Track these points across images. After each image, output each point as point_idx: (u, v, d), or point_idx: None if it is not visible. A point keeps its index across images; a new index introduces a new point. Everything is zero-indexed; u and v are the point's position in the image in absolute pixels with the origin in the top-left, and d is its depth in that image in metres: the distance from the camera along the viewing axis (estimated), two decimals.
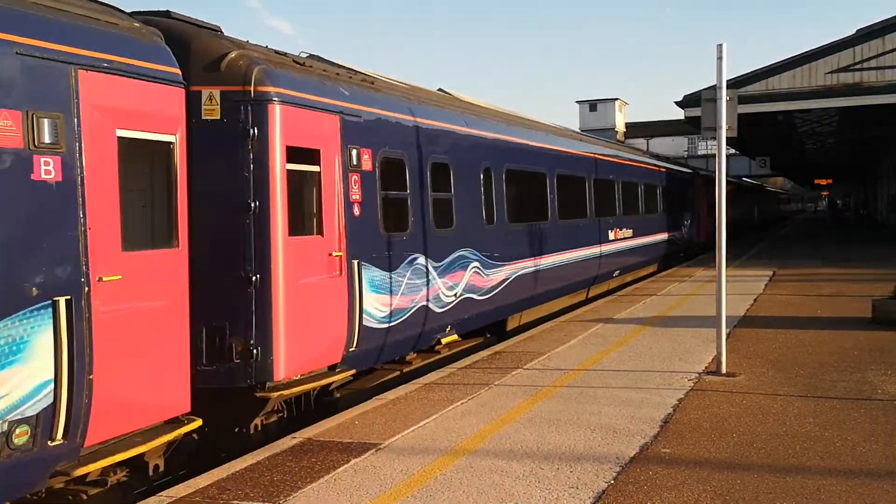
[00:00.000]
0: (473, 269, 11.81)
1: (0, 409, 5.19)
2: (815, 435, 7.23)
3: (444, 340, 11.30)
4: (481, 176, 12.32)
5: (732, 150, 48.09)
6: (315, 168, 8.39)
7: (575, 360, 10.70)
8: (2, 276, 5.25)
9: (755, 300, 16.36)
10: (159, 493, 6.20)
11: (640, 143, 61.55)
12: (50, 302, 5.51)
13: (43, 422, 5.47)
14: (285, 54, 8.79)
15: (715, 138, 9.88)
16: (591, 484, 6.08)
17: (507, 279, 13.16)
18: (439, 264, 10.82)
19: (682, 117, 26.58)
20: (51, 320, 5.50)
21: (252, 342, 7.60)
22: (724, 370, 9.71)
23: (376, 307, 9.27)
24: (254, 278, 7.60)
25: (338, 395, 9.16)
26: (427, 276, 10.46)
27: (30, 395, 5.37)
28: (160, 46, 6.77)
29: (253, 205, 7.62)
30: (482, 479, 6.25)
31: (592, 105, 63.19)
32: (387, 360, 10.07)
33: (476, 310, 12.09)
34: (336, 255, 8.59)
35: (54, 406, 5.52)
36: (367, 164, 9.21)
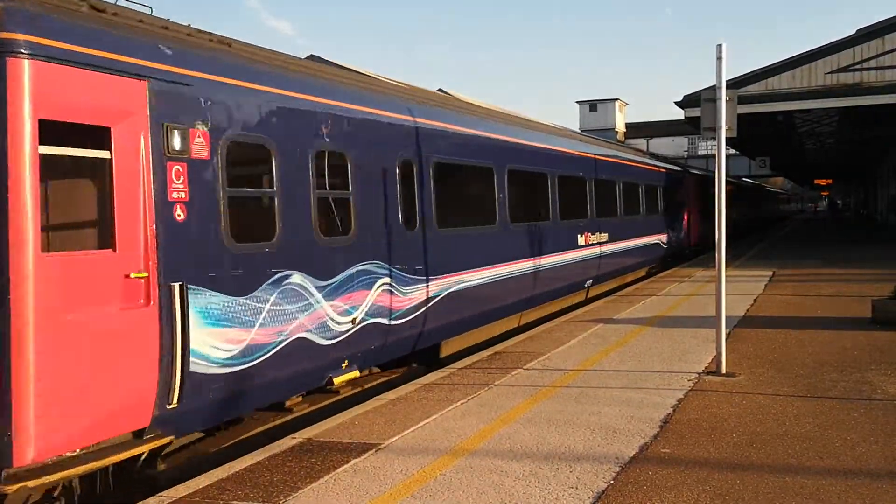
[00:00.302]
0: (382, 288, 9.48)
1: None
2: (815, 435, 7.23)
3: (337, 380, 8.82)
4: (397, 170, 9.94)
5: (732, 151, 48.13)
6: (102, 153, 6.10)
7: (575, 361, 10.70)
8: None
9: (755, 300, 16.36)
10: (159, 494, 6.21)
11: (641, 143, 61.57)
12: None
13: None
14: None
15: (715, 138, 9.89)
16: (590, 484, 6.09)
17: (436, 297, 10.79)
18: (327, 283, 8.46)
19: (682, 117, 26.56)
20: None
21: None
22: (723, 370, 9.71)
23: (216, 346, 6.92)
24: None
25: (162, 467, 7.15)
26: (306, 300, 8.13)
27: None
28: None
29: None
30: (482, 479, 6.25)
31: (592, 105, 63.26)
32: (242, 412, 7.86)
33: (389, 337, 9.75)
34: (138, 277, 6.24)
35: None
36: (200, 151, 6.86)
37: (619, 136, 60.68)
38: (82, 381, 5.82)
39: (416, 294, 10.28)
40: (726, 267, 10.21)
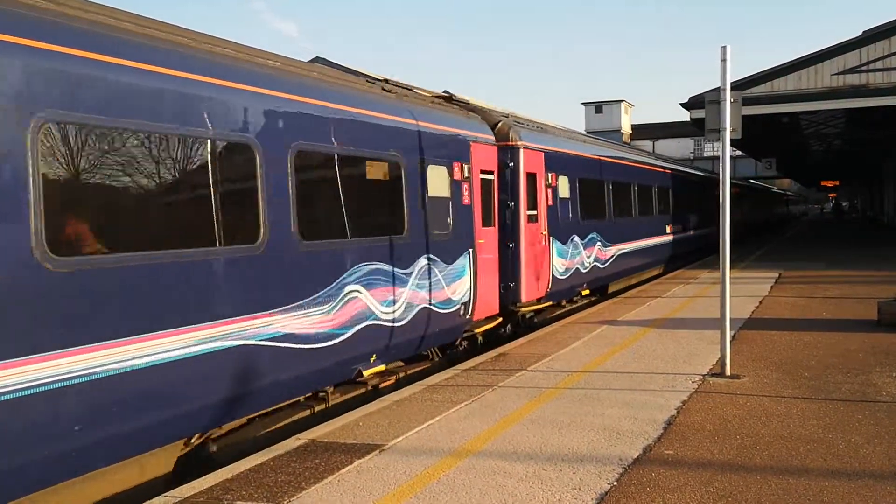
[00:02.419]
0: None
1: None
2: (819, 437, 7.23)
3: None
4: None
5: (738, 152, 48.03)
6: None
7: (579, 362, 10.70)
8: None
9: (760, 302, 16.34)
10: (164, 494, 6.24)
11: (647, 144, 61.49)
12: None
13: None
14: None
15: (720, 140, 9.88)
16: (593, 485, 6.10)
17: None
18: None
19: (688, 119, 26.53)
20: None
21: None
22: (728, 372, 9.71)
23: None
24: None
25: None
26: None
27: None
28: None
29: None
30: (485, 480, 6.27)
31: (598, 107, 63.17)
32: None
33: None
34: None
35: None
36: None
37: (625, 138, 60.58)
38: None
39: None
40: (732, 268, 10.20)
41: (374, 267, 9.31)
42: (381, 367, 9.69)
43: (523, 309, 14.00)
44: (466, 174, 11.72)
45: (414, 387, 9.64)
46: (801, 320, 13.94)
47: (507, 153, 13.67)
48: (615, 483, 6.13)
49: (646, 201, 23.14)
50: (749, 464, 6.55)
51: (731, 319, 10.09)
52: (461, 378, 10.03)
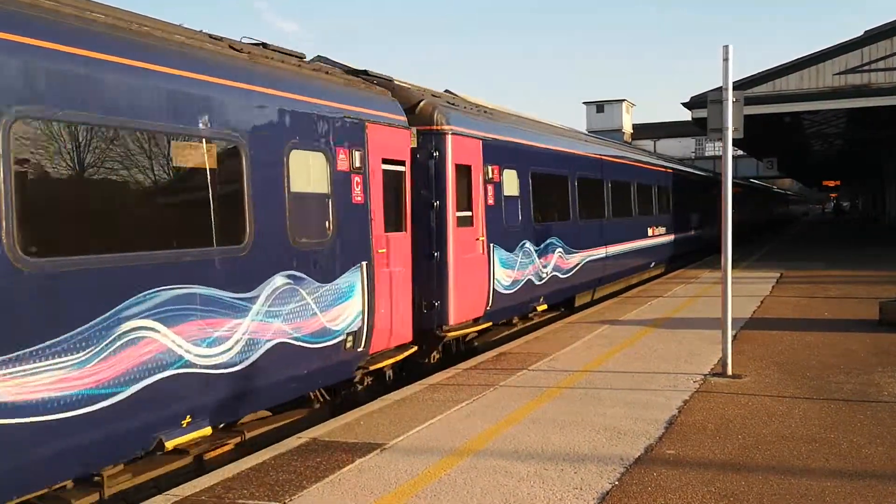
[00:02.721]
0: None
1: None
2: (821, 437, 7.22)
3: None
4: None
5: (740, 152, 48.01)
6: None
7: (580, 362, 10.70)
8: None
9: (762, 302, 16.33)
10: (166, 493, 6.24)
11: (648, 144, 61.46)
12: None
13: None
14: None
15: (721, 140, 9.87)
16: (595, 485, 6.09)
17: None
18: None
19: (690, 118, 26.52)
20: None
21: None
22: (729, 372, 9.70)
23: None
24: None
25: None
26: None
27: None
28: None
29: None
30: (486, 479, 6.26)
31: (600, 106, 63.10)
32: None
33: None
34: None
35: None
36: None
37: (626, 137, 60.49)
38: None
39: None
40: (734, 268, 10.18)
41: (182, 292, 6.56)
42: (206, 431, 7.03)
43: (452, 333, 11.49)
44: (358, 164, 9.01)
45: (415, 386, 9.64)
46: (803, 320, 13.92)
47: (431, 140, 11.03)
48: (616, 483, 6.13)
49: (623, 201, 20.56)
50: (751, 463, 6.54)
51: (732, 319, 10.08)
52: (462, 377, 10.03)
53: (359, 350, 9.13)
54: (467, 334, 12.30)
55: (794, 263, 25.52)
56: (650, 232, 23.10)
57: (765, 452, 6.81)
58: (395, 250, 9.89)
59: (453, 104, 12.22)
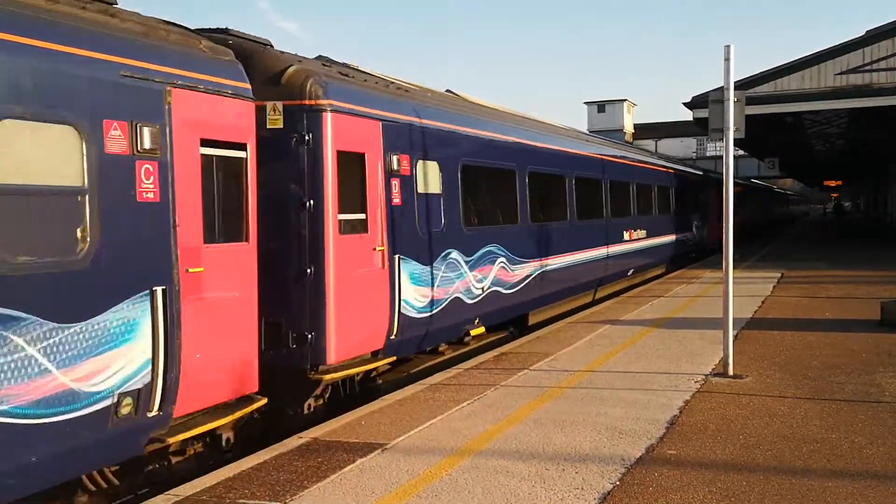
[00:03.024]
0: None
1: None
2: (822, 437, 7.22)
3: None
4: None
5: (741, 152, 47.97)
6: None
7: (581, 362, 10.69)
8: None
9: (763, 302, 16.32)
10: (167, 493, 6.24)
11: (649, 144, 61.45)
12: None
13: None
14: None
15: (722, 139, 9.87)
16: (596, 485, 6.09)
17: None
18: None
19: (691, 118, 26.50)
20: None
21: None
22: (730, 372, 9.69)
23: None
24: None
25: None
26: None
27: None
28: None
29: None
30: (487, 479, 6.26)
31: (601, 106, 63.08)
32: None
33: None
34: None
35: None
36: None
37: (628, 137, 60.49)
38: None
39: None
40: (735, 268, 10.17)
41: None
42: None
43: (331, 375, 8.58)
44: (149, 145, 6.28)
45: (416, 386, 9.64)
46: (804, 320, 13.92)
47: (301, 119, 8.41)
48: (618, 483, 6.13)
49: (593, 201, 17.73)
50: (752, 464, 6.54)
51: (733, 319, 10.07)
52: (463, 377, 10.03)
53: (148, 415, 6.30)
54: (362, 373, 9.41)
55: (795, 263, 25.51)
56: (627, 236, 20.41)
57: (766, 452, 6.81)
58: (223, 268, 7.12)
59: (346, 75, 9.48)
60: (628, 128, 63.07)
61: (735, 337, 11.29)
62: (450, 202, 11.09)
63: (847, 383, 9.23)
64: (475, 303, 11.74)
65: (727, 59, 9.62)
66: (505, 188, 13.32)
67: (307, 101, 8.45)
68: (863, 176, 73.27)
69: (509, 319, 13.51)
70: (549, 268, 14.57)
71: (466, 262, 11.47)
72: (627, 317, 14.82)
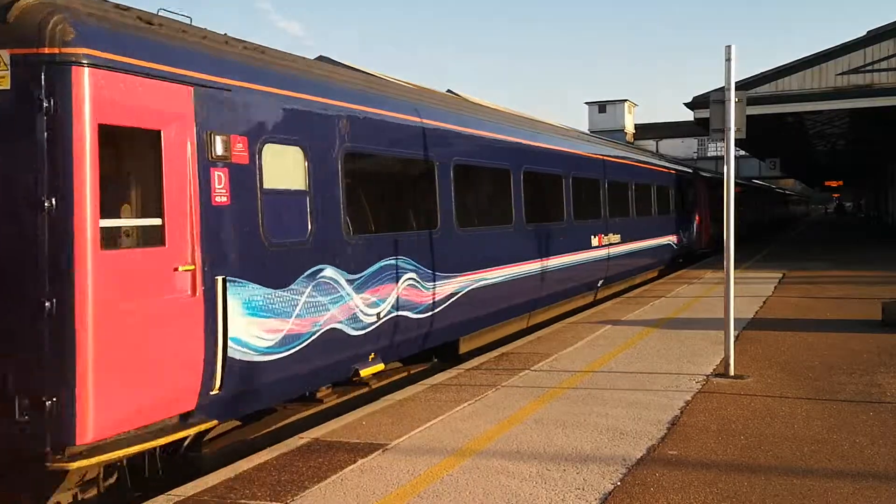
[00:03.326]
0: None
1: None
2: (823, 437, 7.21)
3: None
4: None
5: (742, 152, 47.97)
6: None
7: (582, 362, 10.69)
8: None
9: (764, 302, 16.31)
10: (167, 493, 6.24)
11: (650, 144, 61.46)
12: None
13: None
14: None
15: (723, 140, 9.86)
16: (597, 485, 6.09)
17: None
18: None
19: (692, 119, 26.49)
20: None
21: None
22: (732, 372, 9.69)
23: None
24: None
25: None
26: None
27: None
28: None
29: None
30: (488, 479, 6.26)
31: (602, 106, 63.15)
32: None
33: None
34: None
35: None
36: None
37: (629, 138, 60.55)
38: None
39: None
40: (736, 269, 10.16)
41: None
42: None
43: (83, 462, 5.76)
44: None
45: (417, 386, 9.63)
46: (806, 320, 13.91)
47: (38, 75, 5.69)
48: (619, 483, 6.12)
49: (550, 200, 14.94)
50: (753, 464, 6.53)
51: (734, 319, 10.07)
52: (464, 377, 10.02)
53: None
54: (150, 448, 6.43)
55: (796, 264, 25.49)
56: (595, 241, 17.21)
57: (767, 453, 6.80)
58: None
59: (123, 10, 6.65)
60: (629, 128, 63.12)
61: (736, 337, 11.29)
62: (324, 201, 8.34)
63: (848, 384, 9.23)
64: (367, 333, 8.96)
65: (728, 60, 9.61)
66: (416, 184, 10.63)
67: (47, 50, 5.72)
68: (864, 176, 73.27)
69: (433, 346, 10.92)
70: (484, 282, 11.81)
71: (351, 281, 8.69)
72: (628, 317, 14.82)
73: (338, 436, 7.58)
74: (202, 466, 7.18)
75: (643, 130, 65.81)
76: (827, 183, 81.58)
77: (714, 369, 10.05)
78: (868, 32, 24.53)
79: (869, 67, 24.17)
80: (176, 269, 6.47)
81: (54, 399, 5.63)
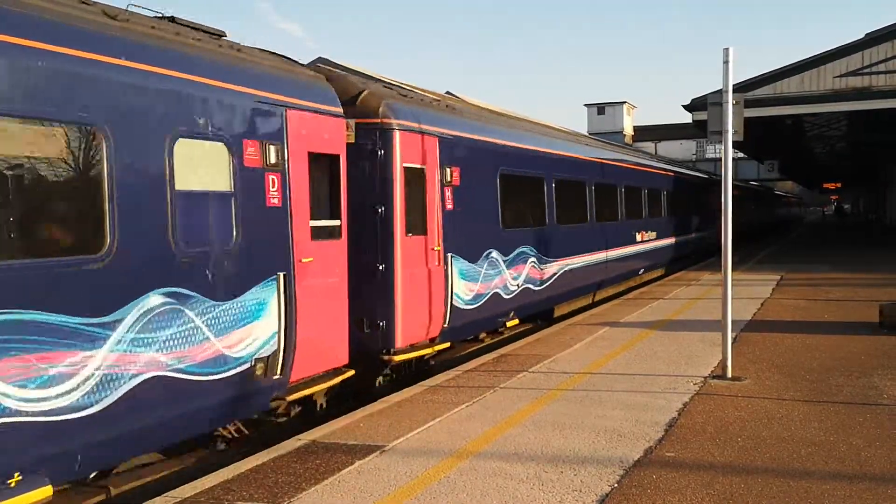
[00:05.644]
0: None
1: None
2: (820, 439, 7.22)
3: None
4: None
5: (741, 154, 48.01)
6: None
7: (580, 364, 10.70)
8: None
9: (762, 304, 16.32)
10: (165, 494, 6.24)
11: (649, 146, 61.48)
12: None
13: None
14: None
15: (722, 142, 9.87)
16: (594, 487, 6.09)
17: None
18: None
19: (691, 121, 26.52)
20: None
21: None
22: (729, 374, 9.70)
23: None
24: None
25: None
26: None
27: None
28: None
29: None
30: (486, 481, 6.26)
31: (600, 108, 63.10)
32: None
33: None
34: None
35: None
36: None
37: (627, 139, 60.50)
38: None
39: None
40: (734, 271, 10.18)
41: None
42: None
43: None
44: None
45: (415, 388, 9.64)
46: (803, 322, 13.92)
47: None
48: (616, 485, 6.13)
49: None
50: (750, 466, 6.54)
51: (732, 321, 10.08)
52: (463, 379, 10.03)
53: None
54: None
55: (794, 266, 25.52)
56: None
57: (764, 455, 6.82)
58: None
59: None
60: (628, 130, 63.10)
61: (734, 339, 11.31)
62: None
63: (846, 386, 9.24)
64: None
65: (726, 62, 9.62)
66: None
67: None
68: (862, 178, 73.33)
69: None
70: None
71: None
72: (627, 319, 14.83)
73: (335, 437, 7.58)
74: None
75: (642, 132, 65.77)
76: (825, 185, 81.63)
77: (712, 371, 10.06)
78: (866, 35, 24.56)
79: (867, 70, 24.20)
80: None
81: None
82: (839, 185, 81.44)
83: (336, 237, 8.80)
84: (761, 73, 25.24)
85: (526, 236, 13.73)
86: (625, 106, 63.05)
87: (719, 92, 9.90)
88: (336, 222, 8.82)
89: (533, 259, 13.98)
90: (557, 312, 16.08)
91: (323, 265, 8.48)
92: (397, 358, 10.01)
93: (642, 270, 22.21)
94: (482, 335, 13.13)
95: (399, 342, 9.99)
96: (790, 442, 7.16)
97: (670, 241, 25.30)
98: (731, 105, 9.69)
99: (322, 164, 8.60)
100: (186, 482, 6.60)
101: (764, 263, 27.11)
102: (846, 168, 61.45)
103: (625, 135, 60.83)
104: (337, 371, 8.89)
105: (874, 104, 24.15)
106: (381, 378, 10.38)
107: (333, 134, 8.73)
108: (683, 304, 16.83)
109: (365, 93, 9.91)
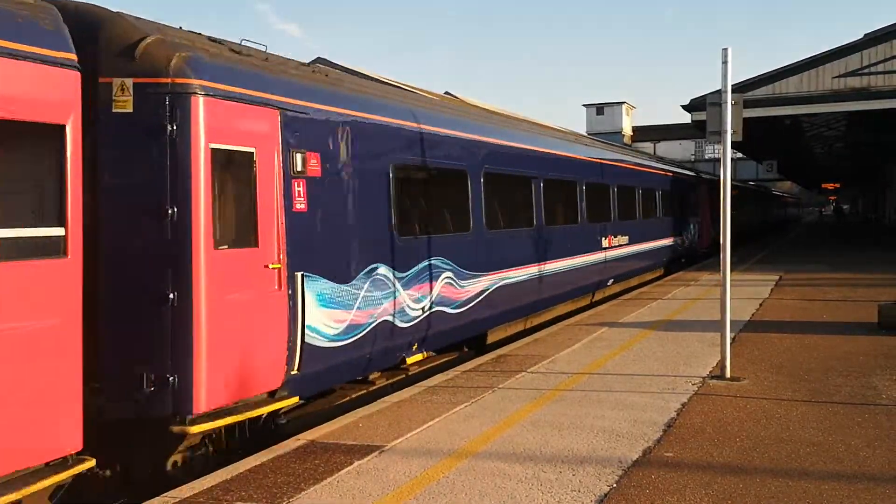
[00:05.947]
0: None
1: None
2: (819, 440, 7.23)
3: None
4: None
5: (739, 154, 48.04)
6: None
7: (579, 364, 10.70)
8: None
9: (761, 304, 16.33)
10: (164, 494, 6.24)
11: (648, 146, 61.50)
12: None
13: None
14: None
15: (721, 142, 9.88)
16: (593, 487, 6.10)
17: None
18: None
19: (690, 121, 26.53)
20: None
21: None
22: (728, 374, 9.70)
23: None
24: None
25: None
26: None
27: None
28: None
29: None
30: (484, 481, 6.27)
31: (599, 108, 63.08)
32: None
33: None
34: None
35: None
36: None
37: (626, 140, 60.50)
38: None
39: None
40: (733, 271, 10.18)
41: None
42: None
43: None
44: None
45: (414, 388, 9.64)
46: (802, 323, 13.93)
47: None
48: (614, 485, 6.13)
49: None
50: (749, 466, 6.55)
51: (731, 322, 10.09)
52: (461, 380, 10.03)
53: None
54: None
55: (793, 266, 25.53)
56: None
57: (763, 455, 6.82)
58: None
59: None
60: (627, 130, 63.11)
61: (733, 339, 11.32)
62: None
63: (844, 386, 9.25)
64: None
65: (725, 62, 9.63)
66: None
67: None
68: (861, 178, 73.40)
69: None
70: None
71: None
72: (625, 319, 14.83)
73: (334, 437, 7.58)
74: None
75: (641, 133, 65.77)
76: (824, 185, 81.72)
77: (710, 371, 10.06)
78: (865, 35, 24.59)
79: (865, 70, 24.23)
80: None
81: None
82: (838, 185, 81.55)
83: (54, 255, 5.81)
84: (760, 73, 25.29)
85: (437, 246, 10.60)
86: (624, 106, 63.05)
87: (718, 92, 9.91)
88: (56, 231, 5.84)
89: (448, 274, 10.87)
90: (492, 338, 12.85)
91: (18, 301, 5.48)
92: (195, 429, 6.78)
93: (612, 281, 19.08)
94: (373, 376, 9.89)
95: (202, 404, 6.82)
96: (789, 442, 7.16)
97: (649, 245, 22.33)
98: (730, 105, 9.69)
99: (26, 141, 5.78)
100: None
101: (762, 264, 27.12)
102: (845, 168, 61.52)
103: (624, 135, 60.84)
104: (53, 467, 5.79)
105: (873, 104, 24.18)
106: (176, 457, 7.11)
107: (51, 92, 5.77)
108: (682, 304, 16.84)
109: (148, 40, 6.68)
